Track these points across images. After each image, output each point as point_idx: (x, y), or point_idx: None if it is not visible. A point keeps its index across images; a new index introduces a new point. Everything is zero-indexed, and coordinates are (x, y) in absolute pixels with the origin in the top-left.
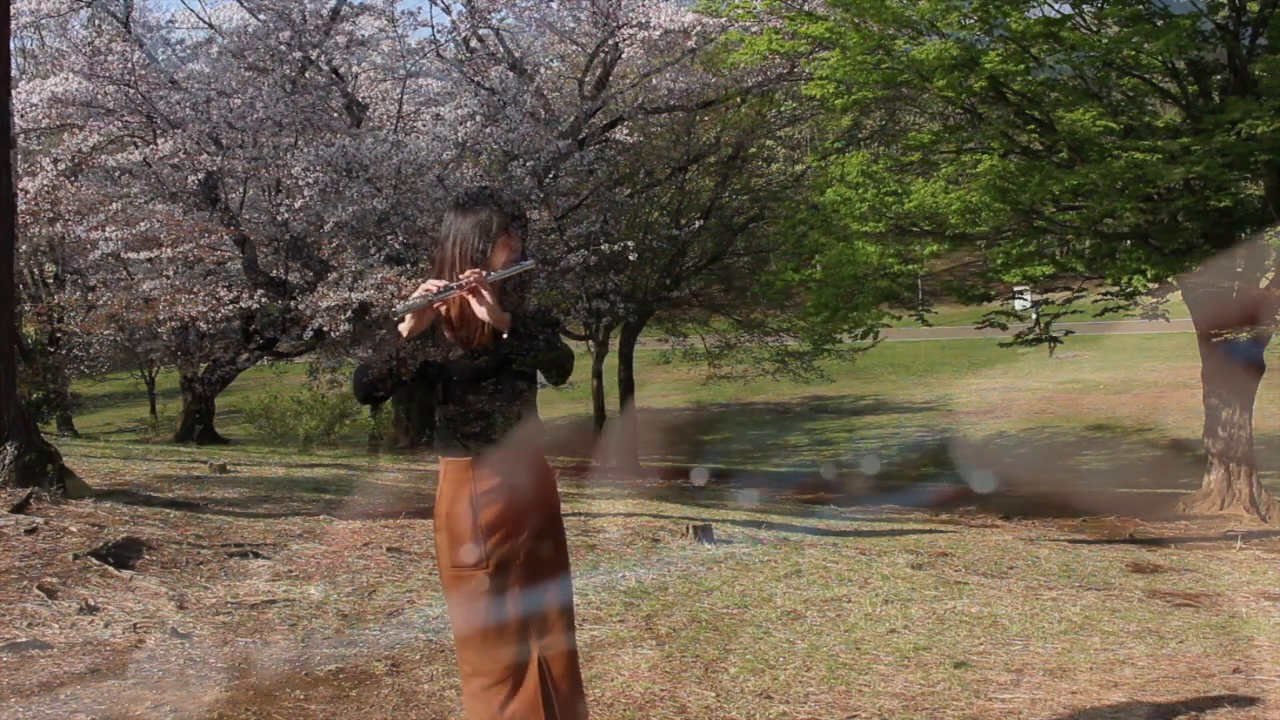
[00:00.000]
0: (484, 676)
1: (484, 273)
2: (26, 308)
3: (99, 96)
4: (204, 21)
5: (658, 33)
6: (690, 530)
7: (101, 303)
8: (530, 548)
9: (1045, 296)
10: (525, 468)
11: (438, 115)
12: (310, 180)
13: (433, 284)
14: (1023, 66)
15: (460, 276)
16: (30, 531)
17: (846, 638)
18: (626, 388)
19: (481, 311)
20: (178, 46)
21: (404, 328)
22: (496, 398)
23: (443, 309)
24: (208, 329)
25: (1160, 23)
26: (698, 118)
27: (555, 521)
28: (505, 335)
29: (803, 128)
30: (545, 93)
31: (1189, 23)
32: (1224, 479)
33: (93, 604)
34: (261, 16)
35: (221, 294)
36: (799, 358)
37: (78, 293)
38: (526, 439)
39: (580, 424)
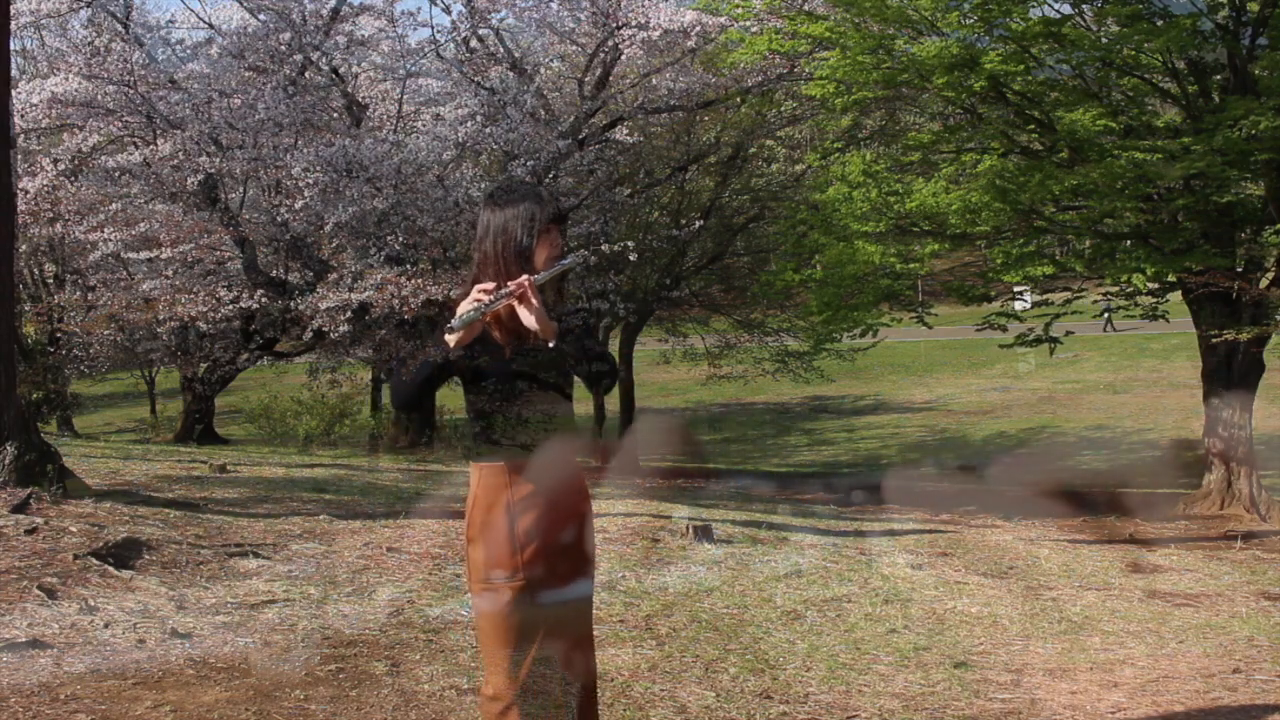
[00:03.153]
0: (505, 698)
1: (530, 278)
2: (26, 308)
3: (99, 97)
4: (204, 22)
5: (657, 33)
6: (690, 530)
7: (101, 303)
8: (562, 561)
9: (1045, 296)
10: (559, 475)
11: (438, 115)
12: (310, 180)
13: (483, 291)
14: (1023, 66)
15: (508, 284)
16: (30, 531)
17: (846, 638)
18: (626, 388)
19: (530, 320)
20: (177, 46)
21: (453, 339)
22: (496, 398)
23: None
24: (208, 329)
25: (1160, 22)
26: (698, 118)
27: (589, 540)
28: (552, 344)
29: (803, 128)
30: (545, 93)
31: (1189, 22)
32: (1224, 479)
33: (93, 604)
34: (261, 17)
35: (221, 294)
36: (799, 358)
37: (78, 293)
38: (557, 444)
39: (580, 424)
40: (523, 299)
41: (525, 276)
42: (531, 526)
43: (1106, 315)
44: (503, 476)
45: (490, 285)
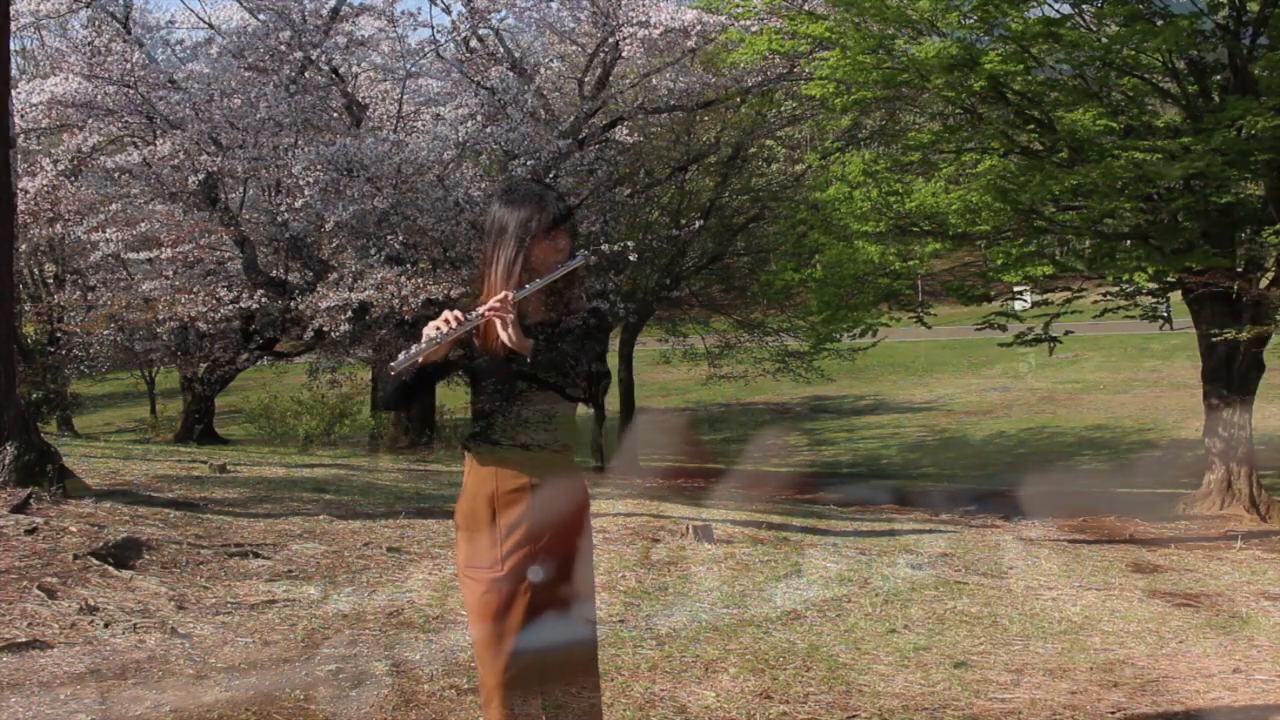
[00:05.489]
0: (496, 678)
1: (509, 294)
2: (26, 308)
3: (99, 97)
4: (204, 22)
5: (658, 31)
6: (690, 530)
7: (101, 303)
8: (551, 562)
9: (1045, 296)
10: (555, 475)
11: (438, 115)
12: (310, 180)
13: (449, 316)
14: (1022, 66)
15: (479, 308)
16: (30, 531)
17: (846, 638)
18: (626, 388)
19: (504, 336)
20: (177, 47)
21: (424, 357)
22: (495, 398)
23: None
24: (208, 329)
25: (1160, 22)
26: (698, 118)
27: (582, 540)
28: (528, 358)
29: (803, 128)
30: (545, 93)
31: (1188, 22)
32: (1224, 479)
33: (93, 604)
34: (261, 16)
35: (221, 294)
36: (799, 358)
37: (78, 293)
38: (553, 444)
39: (580, 424)
40: (500, 317)
41: (503, 294)
42: (515, 520)
43: (1165, 313)
44: (491, 469)
45: (456, 314)
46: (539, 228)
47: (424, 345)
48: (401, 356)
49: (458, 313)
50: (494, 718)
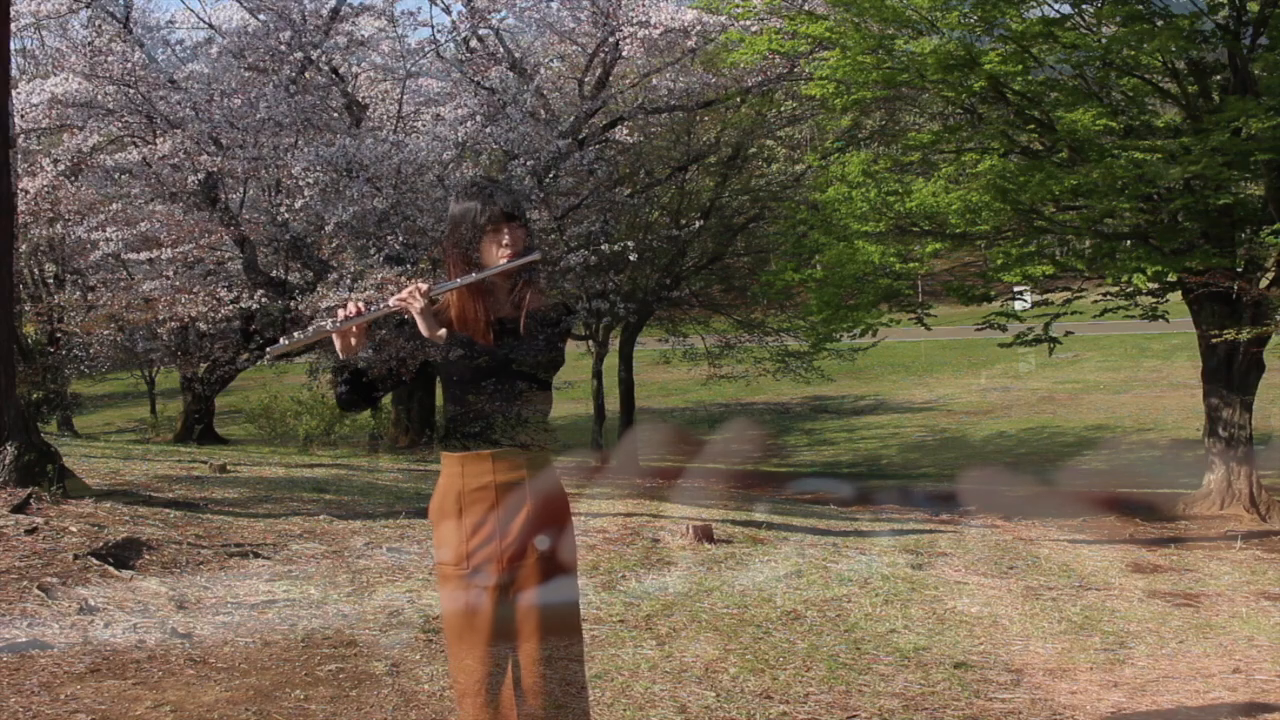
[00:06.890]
0: (466, 676)
1: (423, 287)
2: (26, 308)
3: (99, 97)
4: (204, 22)
5: (658, 31)
6: (690, 530)
7: (101, 303)
8: (521, 556)
9: (1045, 296)
10: (526, 474)
11: (438, 115)
12: (310, 180)
13: (352, 307)
14: (1022, 66)
15: (392, 299)
16: (30, 531)
17: (846, 638)
18: (626, 388)
19: (420, 325)
20: (178, 47)
21: (338, 346)
22: (496, 398)
23: (453, 309)
24: (208, 329)
25: (1160, 23)
26: (698, 118)
27: (560, 533)
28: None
29: (803, 128)
30: (545, 93)
31: (1188, 22)
32: (1224, 479)
33: (93, 604)
34: (261, 17)
35: (221, 294)
36: (799, 358)
37: (78, 293)
38: (533, 442)
39: (580, 424)
40: (406, 306)
41: (415, 285)
42: (480, 518)
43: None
44: (458, 467)
45: (359, 304)
46: (484, 221)
47: (309, 332)
48: (282, 341)
49: (361, 304)
50: (467, 716)
